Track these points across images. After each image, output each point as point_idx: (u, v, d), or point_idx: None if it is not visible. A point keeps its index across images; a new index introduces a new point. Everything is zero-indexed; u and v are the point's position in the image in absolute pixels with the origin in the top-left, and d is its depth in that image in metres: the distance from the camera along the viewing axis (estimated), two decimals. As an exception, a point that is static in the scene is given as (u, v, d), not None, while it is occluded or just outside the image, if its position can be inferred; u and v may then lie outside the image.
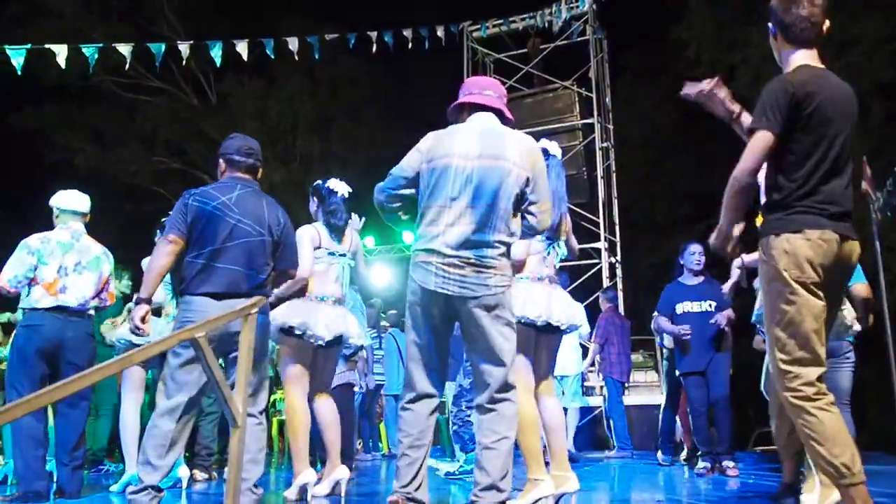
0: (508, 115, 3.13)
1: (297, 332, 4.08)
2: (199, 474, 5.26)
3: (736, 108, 2.78)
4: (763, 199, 2.76)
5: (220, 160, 3.62)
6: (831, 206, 2.51)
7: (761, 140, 2.48)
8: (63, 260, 4.32)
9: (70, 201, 4.52)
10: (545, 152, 3.91)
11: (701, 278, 5.86)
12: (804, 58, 2.63)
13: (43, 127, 17.74)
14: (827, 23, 2.63)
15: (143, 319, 3.29)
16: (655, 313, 6.02)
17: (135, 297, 3.43)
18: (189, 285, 3.32)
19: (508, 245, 2.91)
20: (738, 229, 2.60)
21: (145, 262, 3.83)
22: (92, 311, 4.47)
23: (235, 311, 2.37)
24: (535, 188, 2.92)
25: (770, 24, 2.71)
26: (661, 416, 6.62)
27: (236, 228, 3.37)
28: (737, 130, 2.80)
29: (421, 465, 2.85)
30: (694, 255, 5.84)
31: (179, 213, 3.37)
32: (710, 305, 5.67)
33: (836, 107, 2.51)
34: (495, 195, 2.83)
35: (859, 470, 2.33)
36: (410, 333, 2.96)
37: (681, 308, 5.80)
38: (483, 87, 3.13)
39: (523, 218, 2.99)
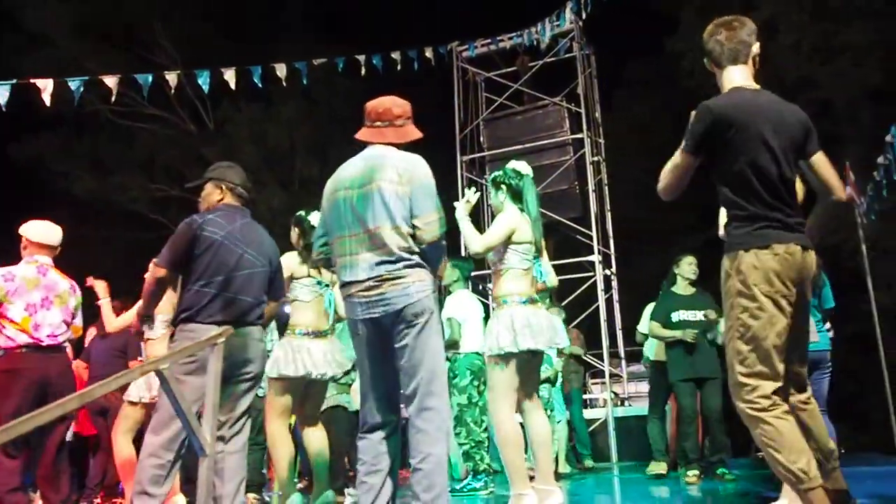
0: (396, 139, 3.12)
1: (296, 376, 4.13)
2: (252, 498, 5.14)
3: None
4: (724, 216, 2.83)
5: (222, 186, 3.59)
6: (788, 219, 2.62)
7: (676, 159, 2.72)
8: (30, 297, 4.18)
9: (40, 234, 4.36)
10: (517, 173, 3.95)
11: (693, 289, 6.02)
12: (737, 77, 2.77)
13: (41, 156, 17.83)
14: (756, 45, 2.77)
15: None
16: (650, 321, 6.10)
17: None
18: (197, 314, 3.29)
19: (419, 253, 2.95)
20: None
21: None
22: (67, 345, 4.36)
23: (202, 341, 2.42)
24: (416, 202, 2.94)
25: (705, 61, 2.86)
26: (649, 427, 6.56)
27: (243, 258, 3.42)
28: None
29: (380, 491, 2.93)
30: (692, 265, 6.07)
31: (186, 243, 3.35)
32: (705, 315, 5.78)
33: (764, 125, 2.61)
34: (382, 216, 2.91)
35: (815, 475, 2.41)
36: (358, 368, 3.09)
37: (676, 316, 5.90)
38: (374, 119, 3.15)
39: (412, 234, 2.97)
